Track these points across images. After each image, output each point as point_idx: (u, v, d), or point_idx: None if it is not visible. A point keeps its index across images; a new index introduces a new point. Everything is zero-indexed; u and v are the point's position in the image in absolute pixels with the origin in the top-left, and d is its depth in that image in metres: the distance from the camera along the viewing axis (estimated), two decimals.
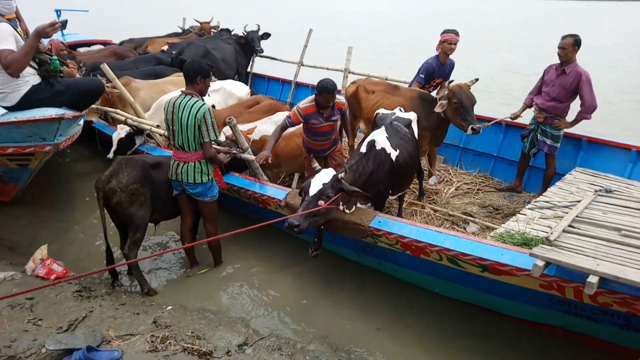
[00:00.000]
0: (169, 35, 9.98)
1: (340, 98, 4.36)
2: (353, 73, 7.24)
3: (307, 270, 4.25)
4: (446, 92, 4.64)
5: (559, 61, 4.82)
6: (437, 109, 4.64)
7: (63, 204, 5.46)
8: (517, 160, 5.40)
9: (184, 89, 3.90)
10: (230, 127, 4.42)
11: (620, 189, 3.96)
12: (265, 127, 5.53)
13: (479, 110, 4.84)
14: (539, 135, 5.03)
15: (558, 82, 4.81)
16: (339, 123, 4.55)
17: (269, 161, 4.27)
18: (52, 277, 3.86)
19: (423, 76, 5.39)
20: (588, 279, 2.51)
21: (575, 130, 5.02)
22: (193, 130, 3.70)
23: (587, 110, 4.70)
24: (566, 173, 4.61)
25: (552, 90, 4.87)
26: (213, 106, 5.50)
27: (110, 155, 4.98)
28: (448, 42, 5.17)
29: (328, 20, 31.30)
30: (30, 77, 4.12)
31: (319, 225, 3.58)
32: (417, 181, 5.19)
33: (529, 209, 3.94)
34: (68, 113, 4.29)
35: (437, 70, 5.41)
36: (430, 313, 3.81)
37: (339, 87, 6.76)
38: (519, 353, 3.41)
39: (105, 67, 5.45)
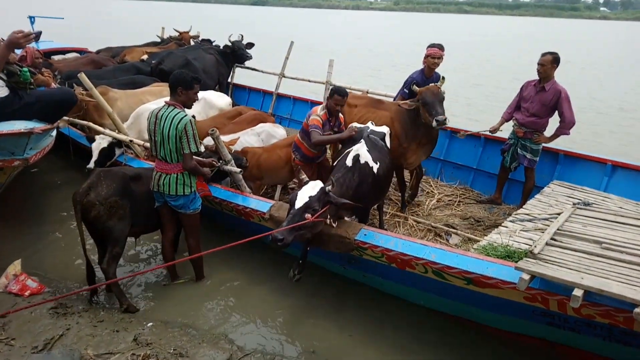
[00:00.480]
0: (147, 45, 9.87)
1: (342, 113, 4.63)
2: (334, 86, 7.27)
3: (291, 283, 4.18)
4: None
5: (537, 77, 4.97)
6: (404, 106, 4.81)
7: (37, 217, 5.26)
8: (496, 173, 5.51)
9: (167, 99, 3.85)
10: (213, 138, 4.36)
11: (597, 201, 4.08)
12: (247, 138, 5.50)
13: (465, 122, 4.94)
14: (519, 149, 5.15)
15: (537, 99, 4.95)
16: None
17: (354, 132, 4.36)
18: (27, 294, 3.70)
19: (407, 91, 5.42)
20: (573, 292, 2.55)
21: (553, 144, 5.17)
22: (175, 141, 3.66)
23: (567, 127, 4.85)
24: (544, 186, 4.72)
25: (532, 107, 5.00)
26: (193, 117, 5.44)
27: (91, 165, 4.83)
28: (432, 56, 5.25)
29: (310, 33, 31.58)
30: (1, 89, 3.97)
31: (304, 239, 3.53)
32: (400, 193, 5.23)
33: (510, 221, 4.01)
34: (38, 127, 4.14)
35: (422, 84, 5.47)
36: (415, 325, 3.80)
37: (321, 99, 6.81)
38: None
39: (82, 76, 5.31)
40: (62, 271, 4.33)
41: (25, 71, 4.07)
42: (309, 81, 7.90)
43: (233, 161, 4.52)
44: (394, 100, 5.65)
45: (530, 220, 3.97)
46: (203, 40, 9.58)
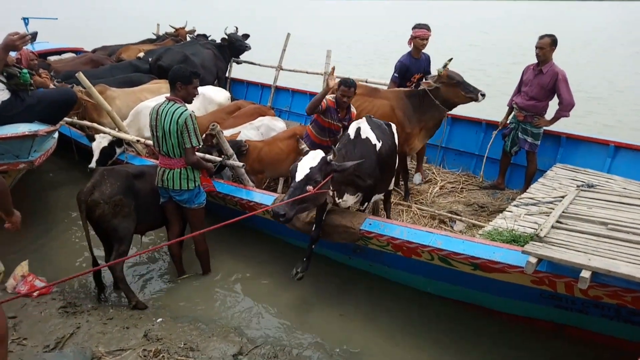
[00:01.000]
0: (143, 42, 9.81)
1: (354, 109, 4.55)
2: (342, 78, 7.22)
3: (295, 284, 4.21)
4: (436, 77, 4.81)
5: (536, 61, 4.94)
6: (423, 85, 4.83)
7: (42, 218, 5.26)
8: (498, 158, 5.50)
9: (167, 95, 3.85)
10: (214, 133, 4.35)
11: (601, 183, 4.08)
12: (247, 132, 5.48)
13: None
14: (519, 133, 5.13)
15: (536, 82, 4.93)
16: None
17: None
18: (35, 294, 3.71)
19: (397, 75, 5.49)
20: (581, 274, 2.56)
21: (554, 127, 5.15)
22: (176, 136, 3.66)
23: (565, 109, 4.83)
24: (547, 169, 4.72)
25: (531, 90, 4.98)
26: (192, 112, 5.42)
27: (93, 165, 4.83)
28: (420, 37, 5.28)
29: (306, 24, 31.38)
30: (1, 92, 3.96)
31: (306, 211, 3.48)
32: (403, 181, 5.23)
33: (515, 206, 4.02)
34: (42, 129, 4.14)
35: (412, 67, 5.46)
36: (424, 312, 3.82)
37: (319, 90, 6.76)
38: (510, 348, 3.45)
39: (80, 75, 5.28)
40: (69, 271, 4.35)
41: (25, 73, 4.05)
42: (307, 73, 7.85)
43: (235, 156, 4.52)
44: (388, 87, 5.64)
45: (534, 204, 3.98)
46: (199, 35, 9.51)
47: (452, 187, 5.47)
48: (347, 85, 4.26)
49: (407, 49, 5.54)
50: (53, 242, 4.83)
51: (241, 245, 4.73)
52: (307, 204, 3.21)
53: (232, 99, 7.20)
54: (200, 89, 6.60)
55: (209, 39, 8.97)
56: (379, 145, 3.81)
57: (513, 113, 5.24)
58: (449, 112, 5.33)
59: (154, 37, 10.31)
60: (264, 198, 4.24)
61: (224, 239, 4.69)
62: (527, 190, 4.32)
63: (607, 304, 2.93)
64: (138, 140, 5.16)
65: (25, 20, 9.75)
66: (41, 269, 4.15)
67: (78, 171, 6.18)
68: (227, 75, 9.02)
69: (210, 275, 4.24)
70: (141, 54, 8.13)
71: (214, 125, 4.36)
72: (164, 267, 4.48)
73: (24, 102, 4.08)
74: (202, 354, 3.07)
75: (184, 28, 9.89)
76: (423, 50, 5.43)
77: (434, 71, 5.19)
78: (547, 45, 4.79)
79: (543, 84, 4.86)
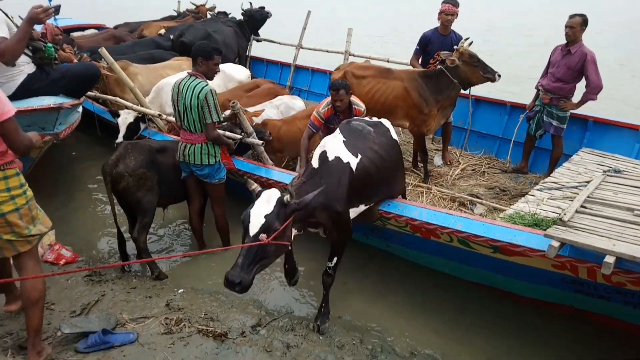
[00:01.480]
0: (165, 19, 9.80)
1: (359, 105, 4.25)
2: (354, 55, 7.15)
3: (315, 251, 4.25)
4: (454, 55, 4.71)
5: (565, 41, 4.78)
6: (448, 62, 4.71)
7: (67, 190, 5.40)
8: (522, 142, 5.39)
9: (189, 70, 3.86)
10: (235, 111, 4.36)
11: (628, 169, 3.97)
12: (267, 111, 5.48)
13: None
14: (544, 116, 5.00)
15: (563, 63, 4.77)
16: None
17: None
18: (62, 262, 3.84)
19: (418, 47, 5.36)
20: (605, 259, 2.52)
21: (582, 110, 5.01)
22: (197, 111, 3.69)
23: (593, 91, 4.67)
24: (573, 154, 4.61)
25: (558, 71, 4.83)
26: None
27: (119, 140, 4.90)
28: (445, 12, 5.14)
29: (328, 1, 30.87)
30: (25, 66, 4.01)
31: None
32: (422, 163, 5.17)
33: (538, 190, 3.94)
34: (67, 102, 4.20)
35: (435, 42, 5.29)
36: (442, 293, 3.84)
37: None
38: (525, 330, 3.45)
39: (103, 50, 5.33)
40: (94, 240, 4.49)
41: (50, 47, 4.09)
42: (327, 51, 7.76)
43: (255, 133, 4.53)
44: (410, 61, 5.53)
45: (558, 189, 3.90)
46: (219, 12, 9.46)
47: (473, 170, 5.39)
48: (335, 88, 3.97)
49: (432, 26, 5.43)
50: (77, 213, 4.97)
51: None
52: (269, 259, 2.70)
53: (252, 77, 7.20)
54: (222, 67, 6.62)
55: (229, 16, 8.92)
56: (355, 160, 3.21)
57: (539, 96, 5.11)
58: (473, 94, 5.24)
59: (175, 14, 10.30)
60: (282, 176, 4.26)
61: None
62: (552, 175, 4.24)
63: (631, 291, 2.89)
64: (160, 115, 5.20)
65: None
66: (67, 239, 4.28)
67: (100, 146, 6.29)
68: (247, 53, 8.99)
69: (230, 250, 4.30)
70: (162, 31, 8.14)
71: (234, 102, 4.37)
72: (185, 241, 4.57)
73: (49, 76, 4.14)
74: (222, 324, 3.14)
75: (204, 5, 9.84)
76: (454, 29, 5.24)
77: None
78: (577, 24, 4.62)
79: (571, 65, 4.71)
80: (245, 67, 8.35)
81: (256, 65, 9.25)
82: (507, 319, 3.55)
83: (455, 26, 5.41)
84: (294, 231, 2.98)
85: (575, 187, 3.80)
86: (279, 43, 8.66)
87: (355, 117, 3.82)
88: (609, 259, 2.52)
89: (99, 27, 10.21)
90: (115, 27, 9.48)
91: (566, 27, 4.71)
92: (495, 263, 3.41)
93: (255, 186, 2.84)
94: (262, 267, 2.68)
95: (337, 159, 3.16)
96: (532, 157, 5.38)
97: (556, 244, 2.74)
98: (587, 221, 2.92)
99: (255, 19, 8.45)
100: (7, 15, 3.81)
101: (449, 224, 3.31)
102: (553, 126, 4.93)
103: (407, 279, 4.00)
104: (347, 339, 3.22)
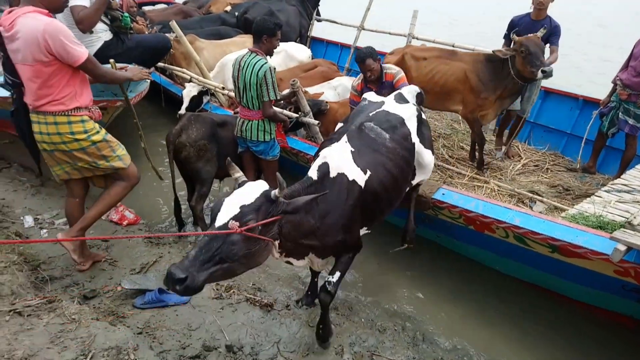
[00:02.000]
0: None
1: (391, 68, 4.15)
2: (417, 38, 6.92)
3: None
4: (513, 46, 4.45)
5: None
6: (498, 54, 4.47)
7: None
8: (592, 139, 5.05)
9: (251, 46, 3.91)
10: (294, 89, 4.40)
11: None
12: (325, 93, 5.48)
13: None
14: (620, 113, 4.64)
15: None
16: None
17: None
18: (125, 223, 4.11)
19: (507, 32, 4.93)
20: None
21: None
22: (255, 88, 3.72)
23: None
24: None
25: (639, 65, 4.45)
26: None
27: (182, 111, 5.10)
28: None
29: None
30: (102, 33, 4.24)
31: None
32: (478, 150, 4.98)
33: (605, 191, 3.70)
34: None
35: (523, 27, 4.77)
36: (489, 290, 3.74)
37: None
38: (578, 336, 3.30)
39: (173, 24, 5.55)
40: (154, 206, 4.75)
41: (126, 17, 4.31)
42: (390, 34, 7.57)
43: (311, 113, 4.56)
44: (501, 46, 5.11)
45: (628, 192, 3.64)
46: None
47: (536, 166, 5.13)
48: (360, 59, 3.96)
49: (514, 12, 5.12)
50: (141, 179, 5.25)
51: None
52: (233, 265, 2.01)
53: (311, 57, 7.20)
54: (284, 46, 6.71)
55: None
56: (363, 178, 2.64)
57: (616, 91, 4.73)
58: (543, 85, 4.95)
59: None
60: None
61: None
62: (622, 176, 3.95)
63: None
64: (223, 88, 5.34)
65: None
66: (130, 202, 4.54)
67: (164, 116, 6.58)
68: (308, 33, 8.99)
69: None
70: (228, 8, 8.31)
71: (294, 80, 4.40)
72: None
73: (124, 45, 4.36)
74: (269, 296, 3.26)
75: None
76: (551, 16, 4.77)
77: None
78: None
79: None
80: (306, 46, 8.37)
81: (316, 45, 9.23)
82: (557, 323, 3.42)
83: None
84: (275, 252, 2.32)
85: None
86: (341, 24, 8.55)
87: (375, 114, 3.13)
88: None
89: (168, 2, 10.59)
90: (184, 3, 9.78)
91: None
92: (551, 263, 3.26)
93: (240, 174, 2.33)
94: (221, 273, 1.99)
95: (342, 176, 2.56)
96: (601, 156, 5.03)
97: (622, 247, 2.59)
98: None
99: (313, 2, 8.41)
100: None
101: (506, 219, 3.20)
102: (629, 125, 4.57)
103: (455, 272, 3.92)
104: (389, 324, 3.23)
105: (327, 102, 4.95)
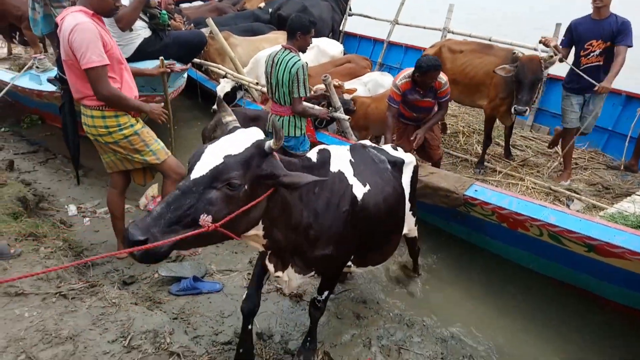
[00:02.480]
0: None
1: (441, 77, 3.90)
2: (453, 33, 6.81)
3: None
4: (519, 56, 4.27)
5: None
6: (498, 71, 4.25)
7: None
8: (635, 137, 4.83)
9: (284, 43, 3.95)
10: (326, 85, 4.43)
11: None
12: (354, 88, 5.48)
13: None
14: None
15: None
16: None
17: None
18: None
19: (564, 38, 4.43)
20: None
21: None
22: (288, 84, 3.74)
23: None
24: None
25: None
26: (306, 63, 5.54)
27: (216, 107, 5.22)
28: None
29: None
30: (142, 31, 4.39)
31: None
32: (482, 148, 4.90)
33: None
34: (178, 66, 4.56)
35: (585, 30, 4.29)
36: (521, 289, 3.67)
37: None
38: (611, 338, 3.20)
39: (210, 21, 5.68)
40: None
41: (164, 14, 4.46)
42: (424, 28, 7.48)
43: (342, 108, 4.57)
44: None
45: None
46: None
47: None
48: (426, 69, 3.68)
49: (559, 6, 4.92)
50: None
51: None
52: (207, 234, 1.56)
53: (343, 53, 7.20)
54: (315, 41, 6.74)
55: None
56: (362, 190, 2.32)
57: None
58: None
59: None
60: None
61: None
62: None
63: None
64: (257, 83, 5.44)
65: None
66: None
67: (199, 111, 6.77)
68: (340, 28, 8.98)
69: None
70: (262, 4, 8.42)
71: (325, 76, 4.43)
72: None
73: (162, 41, 4.51)
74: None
75: None
76: (614, 12, 4.25)
77: None
78: None
79: None
80: (339, 42, 8.37)
81: (349, 40, 9.22)
82: (590, 324, 3.32)
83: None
84: (261, 235, 1.91)
85: None
86: (374, 18, 8.49)
87: (374, 146, 2.84)
88: None
89: None
90: (219, 0, 9.98)
91: None
92: (587, 263, 3.17)
93: (231, 119, 1.90)
94: (193, 240, 1.57)
95: (340, 174, 2.26)
96: None
97: None
98: None
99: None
100: None
101: (540, 217, 3.12)
102: None
103: (487, 271, 3.87)
104: (417, 319, 3.23)
105: (354, 98, 4.96)
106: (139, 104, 3.12)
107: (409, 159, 2.93)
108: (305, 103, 4.06)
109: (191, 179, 1.59)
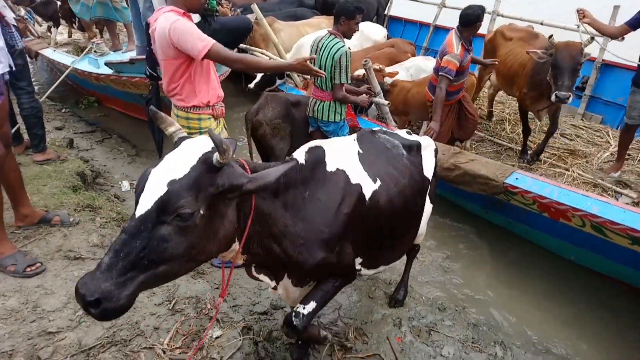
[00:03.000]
0: None
1: None
2: (502, 16, 6.58)
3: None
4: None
5: None
6: (531, 53, 4.04)
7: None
8: None
9: (327, 28, 3.99)
10: (366, 69, 4.44)
11: None
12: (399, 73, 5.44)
13: None
14: None
15: None
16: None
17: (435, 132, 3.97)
18: None
19: (638, 16, 3.90)
20: None
21: None
22: (330, 70, 3.78)
23: None
24: None
25: None
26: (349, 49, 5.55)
27: (251, 86, 5.35)
28: None
29: None
30: (192, 16, 4.56)
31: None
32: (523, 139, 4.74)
33: None
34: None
35: None
36: (560, 279, 3.59)
37: (485, 32, 6.25)
38: None
39: (255, 7, 5.80)
40: None
41: (213, 0, 4.60)
42: None
43: (382, 93, 4.57)
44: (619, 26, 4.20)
45: None
46: None
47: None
48: (476, 18, 3.98)
49: None
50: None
51: None
52: (172, 266, 1.41)
53: (388, 37, 7.13)
54: (360, 25, 6.70)
55: None
56: (372, 187, 2.04)
57: None
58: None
59: None
60: None
61: None
62: None
63: None
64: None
65: None
66: None
67: (244, 96, 6.95)
68: (385, 12, 8.88)
69: None
70: None
71: (366, 60, 4.44)
72: None
73: (210, 27, 4.65)
74: None
75: None
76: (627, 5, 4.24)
77: None
78: None
79: None
80: (383, 26, 8.28)
81: (394, 24, 9.09)
82: (629, 318, 3.21)
83: None
84: (236, 251, 1.65)
85: None
86: (421, 1, 8.33)
87: (386, 130, 2.55)
88: None
89: None
90: None
91: None
92: (631, 255, 3.06)
93: (175, 129, 1.65)
94: (156, 280, 1.41)
95: (341, 174, 1.95)
96: None
97: None
98: None
99: None
100: None
101: (583, 207, 3.05)
102: None
103: (525, 259, 3.81)
104: (449, 304, 3.24)
105: (396, 81, 4.94)
106: (275, 63, 3.15)
107: (426, 142, 2.59)
108: (348, 87, 4.11)
109: (136, 216, 1.37)
